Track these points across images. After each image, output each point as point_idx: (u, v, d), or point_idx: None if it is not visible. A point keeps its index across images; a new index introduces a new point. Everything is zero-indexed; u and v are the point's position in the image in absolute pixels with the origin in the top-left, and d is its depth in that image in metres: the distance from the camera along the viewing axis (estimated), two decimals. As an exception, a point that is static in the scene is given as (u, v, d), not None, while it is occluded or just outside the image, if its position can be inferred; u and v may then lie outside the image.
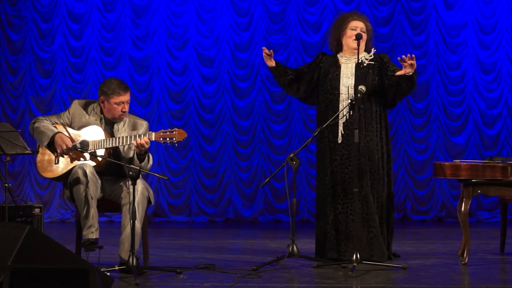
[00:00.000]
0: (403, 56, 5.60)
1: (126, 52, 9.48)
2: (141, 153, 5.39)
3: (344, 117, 5.74)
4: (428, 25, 9.45)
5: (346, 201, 5.73)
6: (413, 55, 5.61)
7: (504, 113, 9.42)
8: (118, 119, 5.56)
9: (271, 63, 5.97)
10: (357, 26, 5.85)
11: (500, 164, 5.65)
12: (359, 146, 5.70)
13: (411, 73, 5.61)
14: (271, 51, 5.93)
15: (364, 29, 5.87)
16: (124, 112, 5.52)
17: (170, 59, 9.50)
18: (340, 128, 5.78)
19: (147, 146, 5.34)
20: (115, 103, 5.48)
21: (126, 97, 5.51)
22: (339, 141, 5.77)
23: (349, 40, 5.85)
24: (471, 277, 5.35)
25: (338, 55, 5.95)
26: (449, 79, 9.45)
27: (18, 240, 3.96)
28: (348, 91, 5.75)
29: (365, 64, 5.84)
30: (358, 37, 5.68)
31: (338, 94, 5.81)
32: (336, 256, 5.74)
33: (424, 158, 9.43)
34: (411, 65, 5.59)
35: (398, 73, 5.66)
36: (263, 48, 5.95)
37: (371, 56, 5.88)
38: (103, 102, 5.53)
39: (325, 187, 5.83)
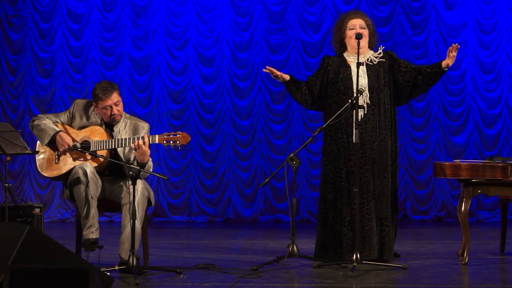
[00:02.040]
0: (450, 48, 5.65)
1: (126, 52, 9.47)
2: (141, 159, 5.37)
3: (359, 117, 5.61)
4: (428, 25, 9.45)
5: (361, 201, 5.66)
6: (457, 45, 5.67)
7: (504, 113, 9.42)
8: (115, 121, 5.54)
9: (285, 76, 5.84)
10: (355, 24, 5.82)
11: (500, 164, 5.65)
12: (374, 145, 5.71)
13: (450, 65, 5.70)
14: (269, 68, 5.80)
15: (364, 25, 5.84)
16: (114, 114, 5.48)
17: (170, 59, 9.49)
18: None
19: (144, 148, 5.30)
20: (103, 108, 5.46)
21: (112, 100, 5.44)
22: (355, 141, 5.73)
23: (350, 40, 5.82)
24: (471, 277, 5.35)
25: (344, 55, 5.92)
26: (449, 79, 9.44)
27: (18, 240, 3.96)
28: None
29: (375, 63, 5.84)
30: (358, 37, 5.66)
31: (352, 93, 5.74)
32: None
33: (424, 158, 9.42)
34: (453, 56, 5.66)
35: (444, 62, 5.68)
36: (267, 68, 5.82)
37: (380, 53, 5.87)
38: (95, 108, 5.53)
39: (340, 189, 5.77)
